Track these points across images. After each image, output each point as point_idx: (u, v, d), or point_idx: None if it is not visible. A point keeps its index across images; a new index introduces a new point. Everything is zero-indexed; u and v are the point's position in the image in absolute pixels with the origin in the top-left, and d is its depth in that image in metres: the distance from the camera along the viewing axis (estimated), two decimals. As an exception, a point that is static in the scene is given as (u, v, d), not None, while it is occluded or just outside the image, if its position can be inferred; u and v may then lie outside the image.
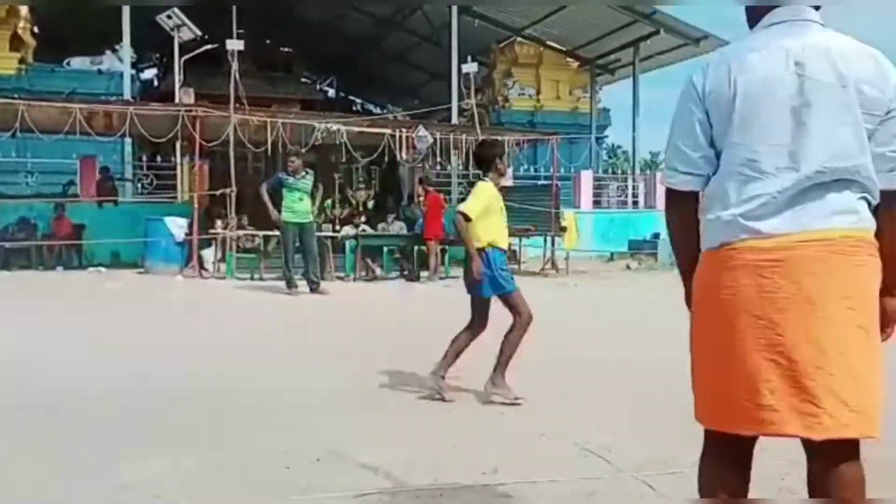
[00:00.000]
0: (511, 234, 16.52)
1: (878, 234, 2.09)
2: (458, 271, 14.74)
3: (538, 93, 24.68)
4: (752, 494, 2.22)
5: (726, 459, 2.13)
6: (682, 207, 2.24)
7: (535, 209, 15.59)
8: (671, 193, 2.26)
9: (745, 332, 2.02)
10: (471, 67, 16.24)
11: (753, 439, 2.13)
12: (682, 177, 2.20)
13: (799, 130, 2.03)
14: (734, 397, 2.03)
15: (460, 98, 18.77)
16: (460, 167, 18.58)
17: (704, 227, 2.18)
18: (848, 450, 2.01)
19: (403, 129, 15.58)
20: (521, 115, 23.86)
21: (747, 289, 2.03)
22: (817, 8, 2.16)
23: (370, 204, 17.88)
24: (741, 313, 2.03)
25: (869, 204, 2.08)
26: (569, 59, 25.17)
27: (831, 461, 2.02)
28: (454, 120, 19.09)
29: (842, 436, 1.96)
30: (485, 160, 5.38)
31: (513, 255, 16.69)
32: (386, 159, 16.81)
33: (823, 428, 1.96)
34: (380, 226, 15.28)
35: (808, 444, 2.06)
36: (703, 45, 21.75)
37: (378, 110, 32.53)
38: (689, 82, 2.19)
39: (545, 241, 15.91)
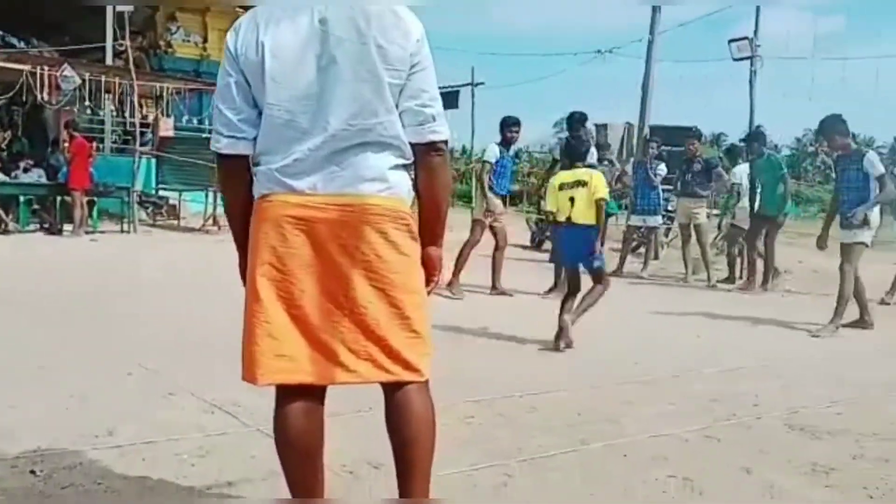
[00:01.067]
0: (170, 189, 15.84)
1: (415, 188, 2.25)
2: (108, 225, 13.86)
3: (205, 41, 23.48)
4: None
5: (294, 409, 2.17)
6: (232, 172, 2.22)
7: (197, 163, 14.90)
8: (220, 158, 2.21)
9: (269, 284, 2.11)
10: (127, 6, 14.98)
11: (321, 388, 2.21)
12: (226, 140, 2.17)
13: (325, 88, 2.08)
14: (258, 347, 2.11)
15: (115, 38, 17.26)
16: (114, 112, 17.16)
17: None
18: (411, 390, 2.20)
19: (46, 67, 14.00)
20: (186, 63, 22.52)
21: (274, 241, 2.11)
22: None
23: (7, 148, 15.89)
24: (266, 265, 2.11)
25: (407, 168, 2.21)
26: (238, 8, 24.33)
27: (397, 400, 2.21)
28: (108, 61, 17.54)
29: (351, 381, 2.15)
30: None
31: (171, 210, 15.91)
32: (25, 99, 15.01)
33: (336, 375, 2.13)
34: (14, 173, 13.66)
35: (383, 386, 2.22)
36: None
37: (22, 45, 28.87)
38: (226, 44, 2.17)
39: (206, 196, 15.28)
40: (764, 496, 3.05)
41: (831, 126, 7.07)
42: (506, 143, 8.29)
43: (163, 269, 9.50)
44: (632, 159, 12.66)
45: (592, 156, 8.29)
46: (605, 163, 12.39)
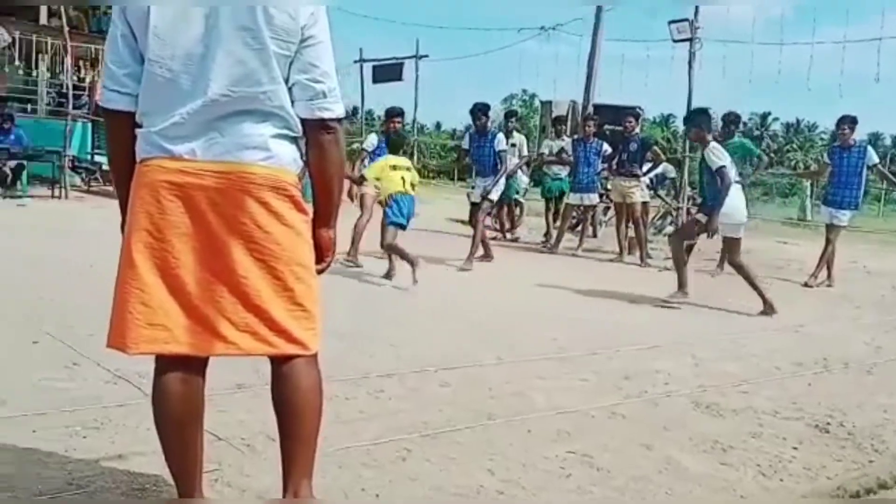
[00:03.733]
0: (106, 155, 15.34)
1: (308, 165, 2.19)
2: (40, 190, 13.47)
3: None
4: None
5: (171, 378, 2.14)
6: (115, 127, 2.15)
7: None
8: (105, 113, 2.14)
9: (145, 251, 2.05)
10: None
11: (201, 359, 2.16)
12: (110, 94, 2.09)
13: (208, 51, 2.01)
14: (131, 315, 2.05)
15: (50, -4, 16.67)
16: (48, 74, 16.61)
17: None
18: (297, 363, 2.17)
19: (-28, 24, 13.47)
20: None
21: (150, 207, 2.04)
22: None
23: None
24: (143, 231, 2.05)
25: (295, 140, 2.15)
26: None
27: (283, 372, 2.18)
28: (43, 20, 16.96)
29: (230, 353, 2.10)
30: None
31: (106, 176, 15.49)
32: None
33: (214, 347, 2.09)
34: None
35: (270, 359, 2.19)
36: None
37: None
38: None
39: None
40: (660, 472, 3.10)
41: (696, 118, 7.62)
42: (387, 132, 8.67)
43: (91, 235, 9.25)
44: (574, 136, 12.64)
45: (500, 142, 9.22)
46: (561, 138, 12.43)
